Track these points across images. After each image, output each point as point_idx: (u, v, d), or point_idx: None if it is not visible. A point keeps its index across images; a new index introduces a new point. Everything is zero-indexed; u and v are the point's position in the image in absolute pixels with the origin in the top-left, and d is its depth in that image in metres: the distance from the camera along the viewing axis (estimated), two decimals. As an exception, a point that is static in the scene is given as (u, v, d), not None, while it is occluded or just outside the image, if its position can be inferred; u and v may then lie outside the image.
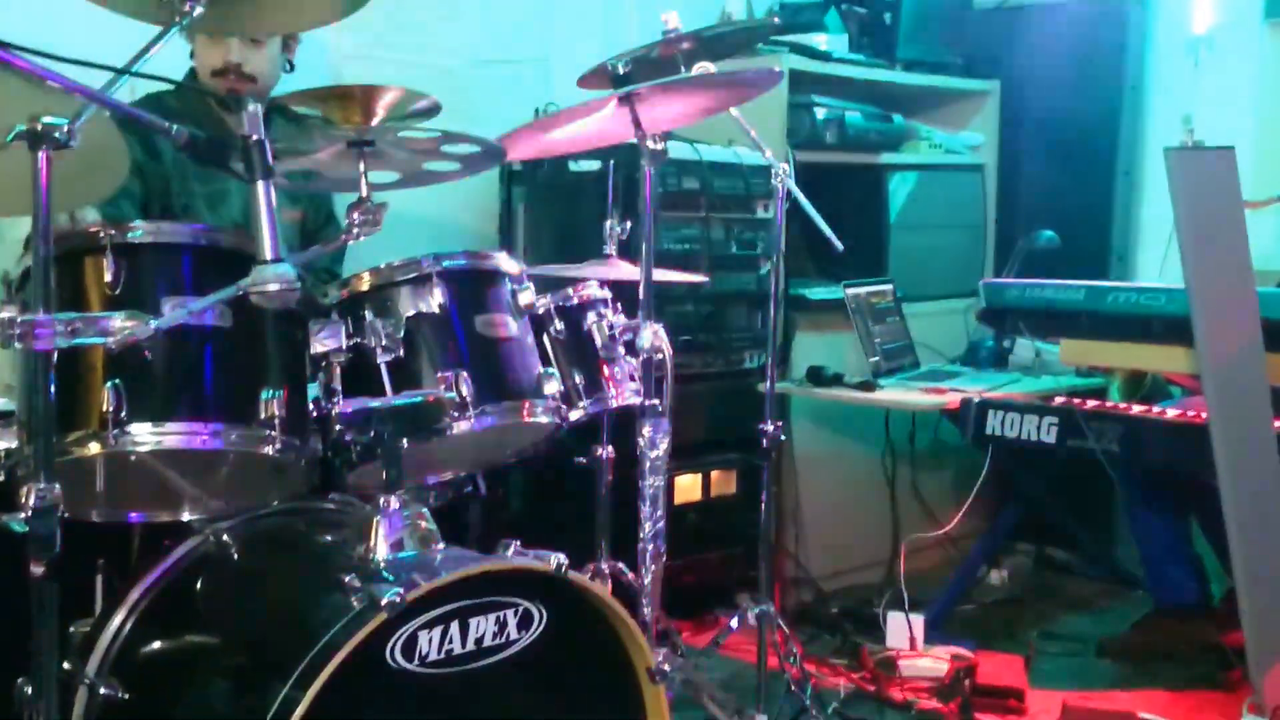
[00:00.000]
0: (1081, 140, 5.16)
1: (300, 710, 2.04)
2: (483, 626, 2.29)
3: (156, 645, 2.45)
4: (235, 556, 2.51)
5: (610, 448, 3.31)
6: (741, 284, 4.35)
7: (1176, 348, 3.69)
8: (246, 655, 2.35)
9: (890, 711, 3.74)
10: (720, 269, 4.24)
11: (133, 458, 2.27)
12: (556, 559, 2.36)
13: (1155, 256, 4.87)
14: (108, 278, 2.23)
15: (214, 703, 2.30)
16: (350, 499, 2.71)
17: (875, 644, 4.02)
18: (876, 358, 4.41)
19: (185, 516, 2.57)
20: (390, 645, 2.18)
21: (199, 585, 2.50)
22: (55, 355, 1.94)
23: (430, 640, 2.23)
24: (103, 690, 2.36)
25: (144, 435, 2.22)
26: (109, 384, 2.18)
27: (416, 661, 2.22)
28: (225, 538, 2.52)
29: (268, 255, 1.95)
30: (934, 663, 3.89)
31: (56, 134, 1.87)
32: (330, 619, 2.16)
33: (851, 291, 4.41)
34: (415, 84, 2.44)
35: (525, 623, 2.34)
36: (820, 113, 4.52)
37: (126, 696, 2.36)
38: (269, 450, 2.31)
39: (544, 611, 2.36)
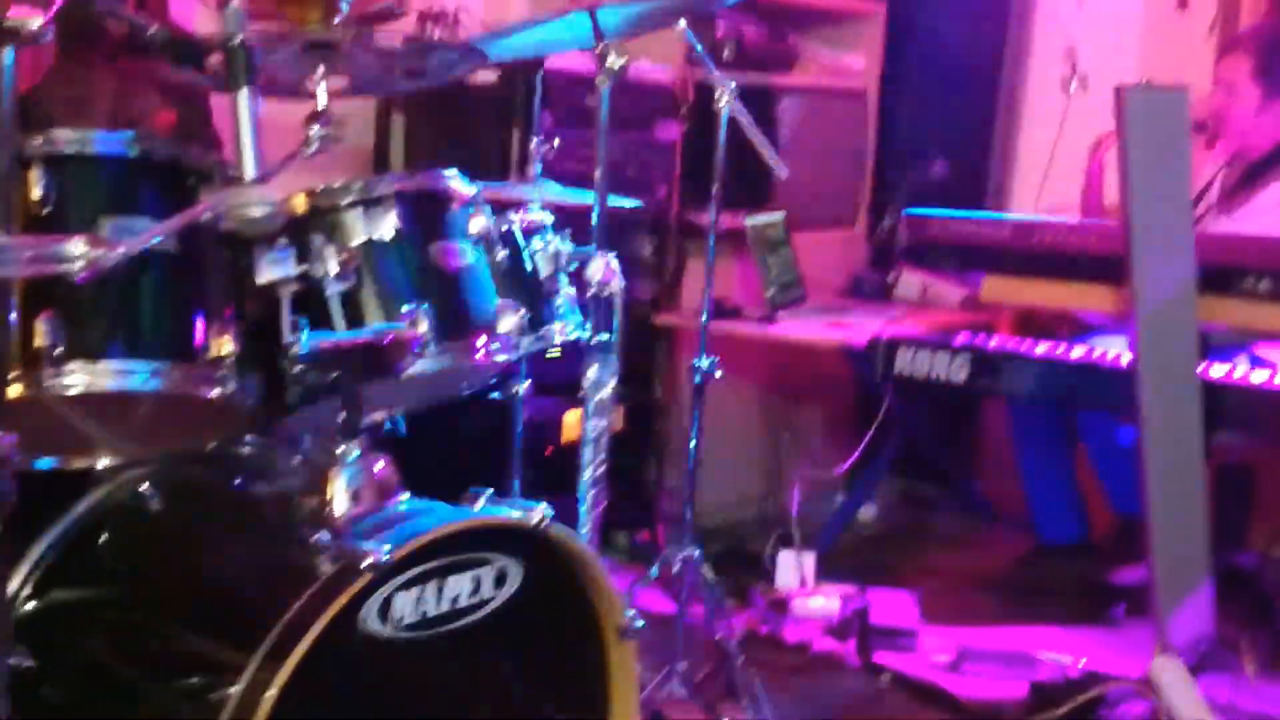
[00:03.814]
0: (964, 68, 5.06)
1: (273, 692, 1.82)
2: (459, 585, 2.09)
3: (71, 608, 2.18)
4: (158, 508, 2.24)
5: (529, 381, 3.10)
6: (635, 209, 4.12)
7: (1102, 286, 3.64)
8: (194, 625, 2.09)
9: (787, 653, 3.66)
10: (615, 191, 4.01)
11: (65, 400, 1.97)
12: (541, 511, 2.16)
13: (1031, 189, 4.85)
14: (36, 194, 1.92)
15: (160, 678, 2.05)
16: (264, 441, 2.44)
17: (764, 584, 3.92)
18: (772, 290, 4.26)
19: (102, 462, 2.27)
20: (366, 609, 1.97)
21: (109, 539, 2.23)
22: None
23: (407, 602, 2.02)
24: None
25: (77, 376, 1.92)
26: (42, 318, 1.89)
27: (391, 626, 2.01)
28: (143, 488, 2.25)
29: (250, 174, 1.70)
30: (826, 601, 3.81)
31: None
32: (299, 581, 1.93)
33: (751, 222, 4.23)
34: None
35: (500, 580, 2.15)
36: (720, 28, 4.31)
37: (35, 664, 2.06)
38: (216, 392, 2.04)
39: (521, 568, 2.17)
